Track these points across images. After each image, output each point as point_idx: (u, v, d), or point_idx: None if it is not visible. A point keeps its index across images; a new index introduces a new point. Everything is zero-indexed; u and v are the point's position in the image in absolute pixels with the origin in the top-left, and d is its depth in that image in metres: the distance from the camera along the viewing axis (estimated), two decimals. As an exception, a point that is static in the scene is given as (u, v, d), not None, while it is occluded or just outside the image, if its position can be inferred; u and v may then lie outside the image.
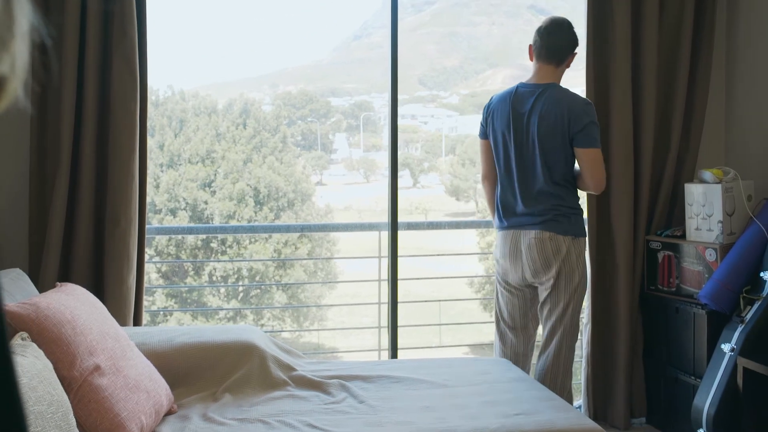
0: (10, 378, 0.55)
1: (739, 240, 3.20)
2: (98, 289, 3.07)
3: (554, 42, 3.07)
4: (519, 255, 3.12)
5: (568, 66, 3.15)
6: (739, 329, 3.01)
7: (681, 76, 3.53)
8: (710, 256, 3.29)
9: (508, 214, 3.16)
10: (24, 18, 0.53)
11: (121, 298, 3.08)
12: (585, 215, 3.22)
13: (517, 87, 3.15)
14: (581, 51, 3.58)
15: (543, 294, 3.14)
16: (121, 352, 2.24)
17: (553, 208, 3.04)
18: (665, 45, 3.58)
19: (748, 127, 3.61)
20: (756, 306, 3.00)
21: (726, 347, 3.03)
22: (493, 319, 3.37)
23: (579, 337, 3.65)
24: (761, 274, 3.04)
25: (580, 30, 3.60)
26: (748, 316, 3.01)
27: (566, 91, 3.08)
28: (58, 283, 2.44)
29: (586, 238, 3.18)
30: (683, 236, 3.42)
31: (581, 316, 3.22)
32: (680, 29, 3.55)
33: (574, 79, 3.51)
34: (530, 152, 3.06)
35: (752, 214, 3.22)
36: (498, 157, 3.18)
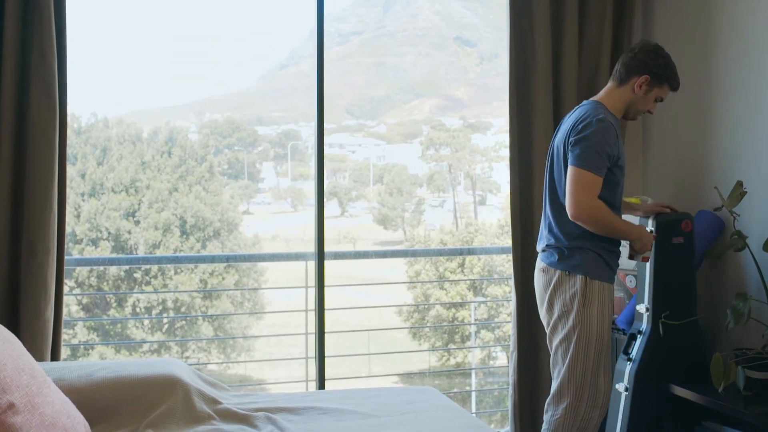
0: None
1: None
2: (13, 323, 2.96)
3: (620, 60, 2.92)
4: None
5: (634, 91, 2.86)
6: (629, 367, 3.10)
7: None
8: (630, 282, 3.37)
9: (539, 238, 3.00)
10: None
11: (37, 332, 2.98)
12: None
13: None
14: (504, 82, 3.65)
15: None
16: (37, 389, 2.15)
17: (557, 237, 2.83)
18: (585, 79, 3.70)
19: (664, 156, 3.74)
20: (638, 341, 3.11)
21: (620, 387, 3.11)
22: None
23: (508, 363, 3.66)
24: (636, 307, 3.14)
25: (504, 61, 3.68)
26: (633, 353, 3.10)
27: (593, 104, 2.86)
28: (-31, 317, 2.35)
29: (598, 281, 2.77)
30: (605, 263, 3.49)
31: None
32: (598, 66, 3.68)
33: (499, 109, 3.54)
34: (548, 173, 2.93)
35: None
36: None
